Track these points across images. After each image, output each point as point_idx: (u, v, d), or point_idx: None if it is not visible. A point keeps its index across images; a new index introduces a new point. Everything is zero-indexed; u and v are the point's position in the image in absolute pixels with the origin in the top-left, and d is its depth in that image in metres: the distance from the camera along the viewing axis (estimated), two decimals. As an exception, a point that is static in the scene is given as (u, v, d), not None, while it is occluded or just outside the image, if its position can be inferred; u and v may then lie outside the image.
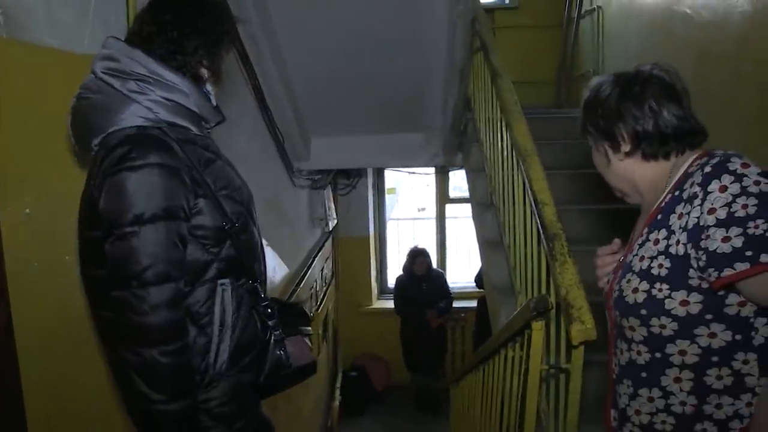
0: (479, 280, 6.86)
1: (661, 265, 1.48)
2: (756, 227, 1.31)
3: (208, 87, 1.83)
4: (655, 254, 1.50)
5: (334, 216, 6.90)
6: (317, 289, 5.96)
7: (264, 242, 2.04)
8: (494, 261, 3.91)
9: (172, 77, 1.70)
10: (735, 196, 1.34)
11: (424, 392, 7.47)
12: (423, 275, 7.23)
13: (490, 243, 4.09)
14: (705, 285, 1.42)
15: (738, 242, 1.32)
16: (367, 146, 5.44)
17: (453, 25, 4.05)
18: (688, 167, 1.51)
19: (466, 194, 8.74)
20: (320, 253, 6.19)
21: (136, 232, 1.55)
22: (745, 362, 1.46)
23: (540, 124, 4.89)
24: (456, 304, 7.70)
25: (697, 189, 1.41)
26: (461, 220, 8.92)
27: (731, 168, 1.38)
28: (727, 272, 1.34)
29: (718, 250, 1.35)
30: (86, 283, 1.72)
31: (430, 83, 4.70)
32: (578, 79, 6.86)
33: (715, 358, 1.47)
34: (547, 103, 7.00)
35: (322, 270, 6.36)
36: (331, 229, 6.80)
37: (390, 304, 7.72)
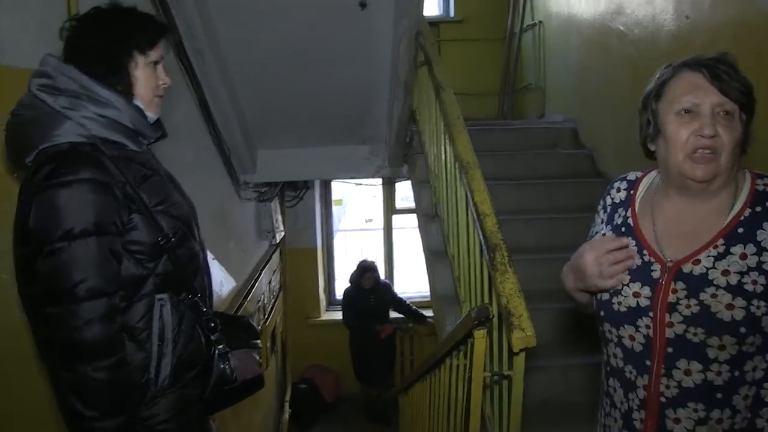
0: None
1: (755, 282, 1.45)
2: None
3: (138, 102, 1.80)
4: (745, 269, 1.46)
5: (282, 228, 6.88)
6: (265, 301, 5.94)
7: (210, 256, 2.04)
8: (439, 271, 3.98)
9: (105, 93, 1.70)
10: None
11: (374, 403, 7.48)
12: (370, 288, 7.27)
13: (435, 253, 4.16)
14: None
15: None
16: (314, 158, 5.46)
17: (398, 39, 4.11)
18: (754, 185, 1.56)
19: (412, 205, 8.83)
20: (268, 266, 6.17)
21: (66, 248, 1.54)
22: None
23: (484, 136, 5.00)
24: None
25: None
26: (408, 231, 8.99)
27: None
28: None
29: None
30: (24, 302, 1.71)
31: (375, 96, 4.75)
32: (521, 92, 7.01)
33: None
34: (491, 114, 7.13)
35: (269, 282, 6.34)
36: (278, 241, 6.78)
37: (338, 315, 7.73)
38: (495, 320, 2.43)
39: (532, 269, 3.87)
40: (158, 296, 1.74)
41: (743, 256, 1.48)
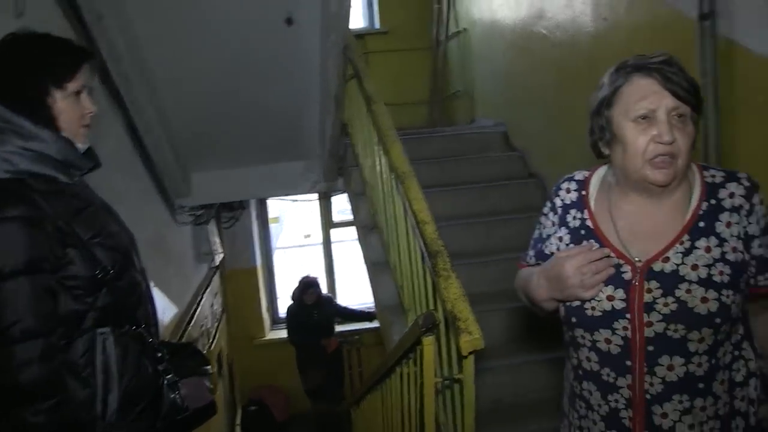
0: None
1: (721, 272, 1.52)
2: None
3: (65, 133, 1.74)
4: (711, 262, 1.53)
5: (220, 250, 6.80)
6: (209, 325, 5.87)
7: (151, 284, 2.01)
8: (382, 281, 4.00)
9: (29, 126, 1.65)
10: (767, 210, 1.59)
11: (325, 418, 7.43)
12: (313, 304, 7.24)
13: (376, 264, 4.17)
14: (744, 287, 1.57)
15: None
16: (249, 177, 5.42)
17: (326, 53, 4.13)
18: (702, 177, 1.63)
19: (350, 217, 8.83)
20: (209, 289, 6.10)
21: None
22: (747, 350, 1.63)
23: (417, 144, 5.05)
24: (350, 327, 7.77)
25: (741, 201, 1.57)
26: (347, 244, 9.00)
27: (756, 184, 1.60)
28: None
29: (765, 256, 1.58)
30: None
31: (306, 111, 4.75)
32: (450, 98, 7.09)
33: (736, 353, 1.61)
34: (422, 123, 7.19)
35: (212, 306, 6.26)
36: (217, 263, 6.70)
37: (283, 333, 7.66)
38: (441, 325, 2.45)
39: (472, 273, 3.92)
40: (100, 330, 1.69)
41: (708, 249, 1.54)
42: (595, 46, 3.92)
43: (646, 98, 1.53)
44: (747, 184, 1.59)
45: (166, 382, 1.83)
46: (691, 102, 1.53)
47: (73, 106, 1.75)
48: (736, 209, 1.57)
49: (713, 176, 1.62)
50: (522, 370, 3.56)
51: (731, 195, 1.58)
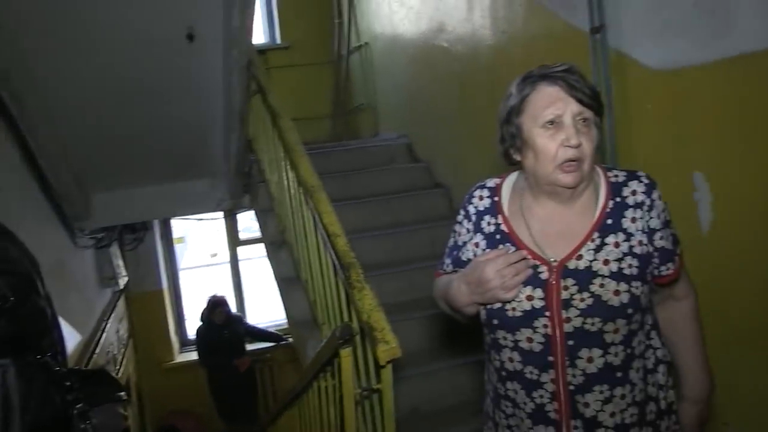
0: None
1: (630, 265, 1.62)
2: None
3: None
4: (621, 256, 1.62)
5: (124, 273, 6.60)
6: (115, 352, 5.68)
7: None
8: (294, 297, 3.98)
9: None
10: (665, 205, 1.69)
11: (240, 440, 7.31)
12: (223, 323, 7.11)
13: (287, 280, 4.15)
14: (650, 278, 1.68)
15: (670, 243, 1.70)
16: (152, 197, 5.29)
17: (229, 70, 4.09)
18: (607, 178, 1.72)
19: (256, 235, 8.74)
20: (114, 314, 5.90)
21: None
22: (655, 339, 1.74)
23: (322, 159, 5.05)
24: (262, 345, 7.68)
25: (642, 197, 1.67)
26: (255, 261, 8.90)
27: (654, 182, 1.70)
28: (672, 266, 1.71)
29: (666, 247, 1.68)
30: None
31: (210, 129, 4.69)
32: (353, 112, 7.15)
33: (647, 342, 1.71)
34: (326, 137, 7.21)
35: (117, 331, 6.06)
36: (122, 287, 6.50)
37: (193, 356, 7.50)
38: (357, 337, 2.46)
39: (381, 284, 3.94)
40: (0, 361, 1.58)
41: (616, 244, 1.64)
42: (495, 59, 4.04)
43: (552, 104, 1.60)
44: (646, 181, 1.69)
45: (75, 412, 1.73)
46: (594, 107, 1.61)
47: None
48: (638, 205, 1.67)
49: (616, 176, 1.72)
50: (437, 377, 3.61)
51: (633, 192, 1.68)
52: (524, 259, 1.64)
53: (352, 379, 2.37)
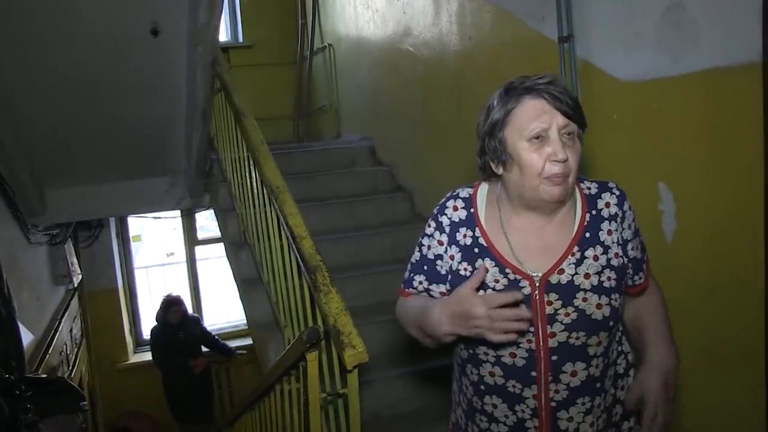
0: None
1: (609, 278, 1.63)
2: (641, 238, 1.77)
3: None
4: (599, 269, 1.63)
5: (78, 271, 6.46)
6: (68, 352, 5.55)
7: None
8: (255, 299, 3.94)
9: None
10: (633, 214, 1.72)
11: (194, 442, 7.22)
12: (178, 323, 7.00)
13: (248, 281, 4.11)
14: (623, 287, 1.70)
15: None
16: (110, 194, 5.19)
17: (193, 66, 4.02)
18: (581, 190, 1.73)
19: (214, 234, 8.65)
20: (67, 313, 5.76)
21: None
22: (625, 344, 1.77)
23: (283, 159, 4.99)
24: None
25: (615, 209, 1.69)
26: (213, 261, 8.80)
27: (623, 192, 1.73)
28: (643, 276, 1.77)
29: (637, 257, 1.72)
30: None
31: (171, 126, 4.61)
32: (315, 113, 7.13)
33: (619, 348, 1.74)
34: (287, 138, 7.18)
35: (71, 330, 5.92)
36: (76, 285, 6.36)
37: (148, 356, 7.38)
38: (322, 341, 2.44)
39: (341, 288, 3.91)
40: None
41: (595, 258, 1.65)
42: (461, 64, 4.06)
43: (537, 118, 1.57)
44: (617, 193, 1.71)
45: (23, 422, 1.64)
46: (578, 119, 1.60)
47: None
48: (613, 218, 1.68)
49: (589, 188, 1.74)
50: (398, 382, 3.60)
51: (607, 204, 1.70)
52: (518, 301, 1.52)
53: (318, 383, 2.35)
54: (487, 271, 1.65)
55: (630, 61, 2.69)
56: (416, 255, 1.85)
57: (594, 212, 1.69)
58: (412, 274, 1.86)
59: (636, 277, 1.74)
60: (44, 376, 1.81)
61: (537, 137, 1.57)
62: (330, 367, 2.52)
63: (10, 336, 1.73)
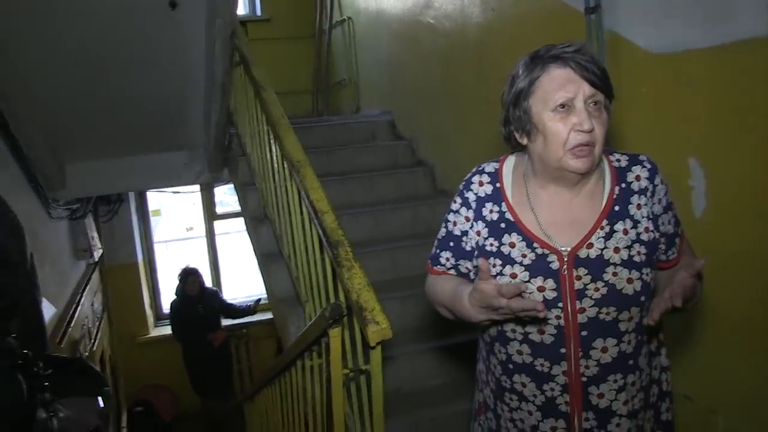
0: None
1: (639, 252, 1.60)
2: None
3: None
4: (629, 243, 1.60)
5: (99, 245, 6.50)
6: (90, 325, 5.59)
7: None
8: (275, 273, 3.92)
9: None
10: (666, 188, 1.67)
11: (216, 415, 7.27)
12: (197, 296, 7.02)
13: (268, 256, 4.09)
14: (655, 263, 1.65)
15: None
16: (129, 169, 5.19)
17: (212, 39, 3.98)
18: (610, 162, 1.68)
19: (232, 209, 8.65)
20: (88, 287, 5.80)
21: None
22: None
23: (302, 133, 4.95)
24: (237, 321, 7.62)
25: (646, 183, 1.65)
26: (232, 235, 8.81)
27: (656, 165, 1.68)
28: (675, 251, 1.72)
29: (669, 232, 1.68)
30: None
31: (190, 100, 4.59)
32: (334, 87, 7.06)
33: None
34: (306, 112, 7.14)
35: (92, 304, 5.97)
36: (96, 259, 6.40)
37: (168, 330, 7.42)
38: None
39: (362, 262, 3.91)
40: None
41: (625, 232, 1.61)
42: (483, 36, 3.99)
43: (563, 87, 1.54)
44: (649, 166, 1.67)
45: (40, 401, 1.57)
46: (605, 89, 1.56)
47: None
48: (643, 191, 1.64)
49: (618, 160, 1.69)
50: (419, 357, 3.58)
51: (638, 178, 1.65)
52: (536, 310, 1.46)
53: (340, 359, 2.33)
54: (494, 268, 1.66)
55: (660, 32, 2.62)
56: (442, 231, 1.84)
57: (623, 185, 1.65)
58: (438, 251, 1.85)
59: (669, 252, 1.70)
60: (65, 357, 1.73)
61: (562, 106, 1.54)
62: (352, 343, 2.50)
63: (31, 312, 1.68)
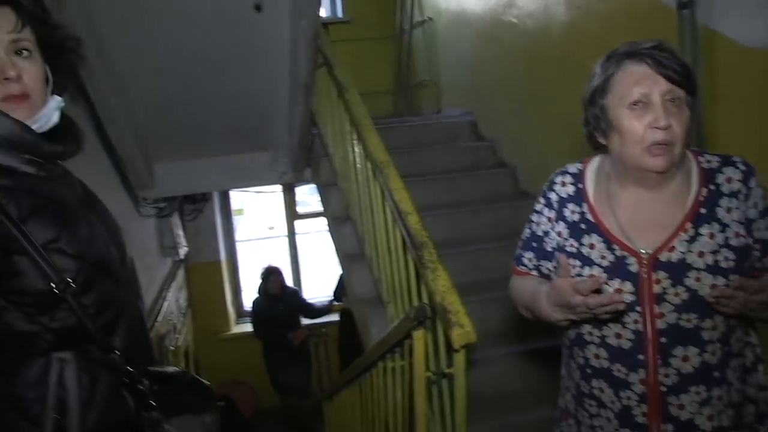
0: (338, 293, 6.89)
1: (726, 258, 1.51)
2: None
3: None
4: (716, 248, 1.51)
5: (184, 243, 6.66)
6: (175, 321, 5.74)
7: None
8: (357, 274, 3.92)
9: None
10: (763, 193, 1.56)
11: (294, 412, 7.36)
12: (278, 294, 7.12)
13: (350, 256, 4.10)
14: (749, 271, 1.54)
15: None
16: (215, 169, 5.29)
17: (295, 41, 4.02)
18: (699, 163, 1.60)
19: (313, 209, 8.74)
20: (174, 284, 5.97)
21: None
22: (752, 336, 1.63)
23: (384, 134, 4.95)
24: (317, 320, 7.69)
25: (739, 185, 1.55)
26: (312, 235, 8.90)
27: (752, 168, 1.58)
28: None
29: (765, 239, 1.56)
30: None
31: (274, 101, 4.64)
32: (416, 87, 7.04)
33: (746, 339, 1.61)
34: (387, 112, 7.13)
35: (177, 300, 6.13)
36: (182, 256, 6.57)
37: (249, 327, 7.56)
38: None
39: (445, 264, 3.88)
40: (58, 355, 1.34)
41: (711, 236, 1.53)
42: (567, 35, 3.90)
43: (639, 83, 1.50)
44: (743, 168, 1.58)
45: (148, 420, 1.49)
46: (685, 85, 1.50)
47: None
48: (734, 194, 1.55)
49: (709, 161, 1.61)
50: (502, 362, 3.53)
51: (729, 180, 1.57)
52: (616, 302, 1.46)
53: (424, 362, 2.30)
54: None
55: (761, 25, 2.50)
56: (526, 231, 1.83)
57: (712, 187, 1.57)
58: (522, 251, 1.84)
59: (766, 259, 1.58)
60: (171, 370, 1.63)
61: (637, 103, 1.50)
62: (435, 346, 2.47)
63: (135, 323, 1.57)
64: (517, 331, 3.60)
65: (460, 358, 2.22)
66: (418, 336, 2.24)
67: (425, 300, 2.51)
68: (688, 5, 2.79)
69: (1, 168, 1.32)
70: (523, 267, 1.83)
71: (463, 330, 2.14)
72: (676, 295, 1.51)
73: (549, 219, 1.74)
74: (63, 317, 1.33)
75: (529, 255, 1.81)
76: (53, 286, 1.30)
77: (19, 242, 1.28)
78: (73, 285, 1.32)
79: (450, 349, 2.25)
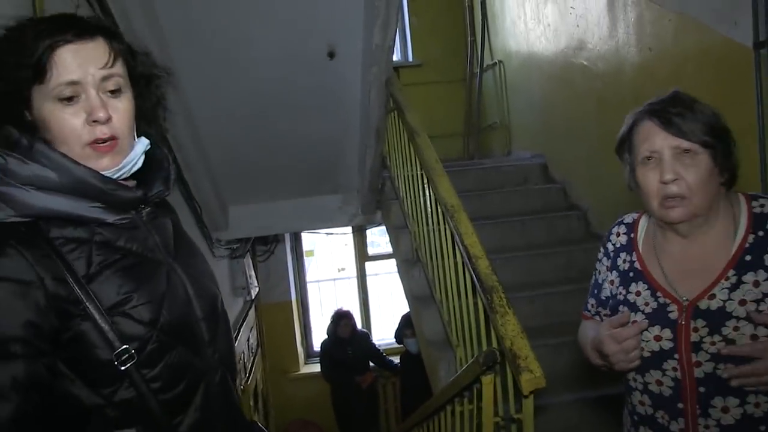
0: (399, 336, 6.86)
1: None
2: None
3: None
4: (760, 297, 1.47)
5: (255, 283, 6.79)
6: (245, 360, 5.83)
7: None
8: (426, 316, 3.93)
9: (41, 146, 1.20)
10: None
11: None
12: (348, 338, 7.16)
13: (419, 299, 4.11)
14: None
15: None
16: (286, 211, 5.42)
17: (367, 86, 4.12)
18: (750, 208, 1.58)
19: (383, 251, 8.78)
20: (245, 323, 6.07)
21: None
22: None
23: (455, 176, 4.97)
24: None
25: None
26: (382, 277, 8.93)
27: None
28: None
29: None
30: None
31: (346, 145, 4.75)
32: (486, 130, 7.07)
33: None
34: (457, 155, 7.17)
35: (248, 340, 6.23)
36: (253, 297, 6.69)
37: (317, 368, 7.62)
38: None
39: (515, 307, 3.84)
40: None
41: (756, 284, 1.48)
42: (639, 77, 3.88)
43: (647, 140, 1.56)
44: None
45: None
46: (697, 139, 1.51)
47: (59, 115, 1.20)
48: None
49: (762, 206, 1.57)
50: (570, 408, 3.46)
51: None
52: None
53: (492, 407, 2.29)
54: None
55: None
56: (592, 279, 1.88)
57: (761, 233, 1.53)
58: (588, 297, 1.89)
59: None
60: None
61: (650, 158, 1.55)
62: (504, 390, 2.46)
63: (225, 401, 1.42)
64: (588, 376, 3.53)
65: (528, 404, 2.21)
66: (487, 381, 2.24)
67: (494, 344, 2.51)
68: (764, 44, 2.75)
69: (73, 218, 1.21)
70: (588, 312, 1.88)
71: (533, 375, 2.13)
72: (713, 344, 1.48)
73: (606, 268, 1.79)
74: (126, 390, 1.21)
75: (592, 301, 1.86)
76: (114, 356, 1.18)
77: (82, 305, 1.17)
78: (137, 356, 1.20)
79: (519, 394, 2.24)
